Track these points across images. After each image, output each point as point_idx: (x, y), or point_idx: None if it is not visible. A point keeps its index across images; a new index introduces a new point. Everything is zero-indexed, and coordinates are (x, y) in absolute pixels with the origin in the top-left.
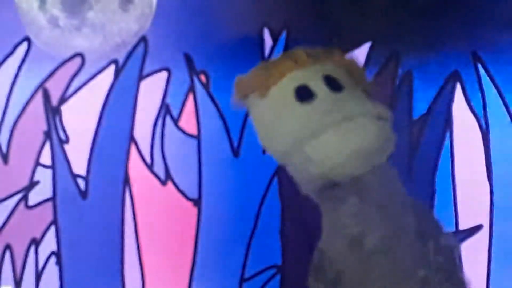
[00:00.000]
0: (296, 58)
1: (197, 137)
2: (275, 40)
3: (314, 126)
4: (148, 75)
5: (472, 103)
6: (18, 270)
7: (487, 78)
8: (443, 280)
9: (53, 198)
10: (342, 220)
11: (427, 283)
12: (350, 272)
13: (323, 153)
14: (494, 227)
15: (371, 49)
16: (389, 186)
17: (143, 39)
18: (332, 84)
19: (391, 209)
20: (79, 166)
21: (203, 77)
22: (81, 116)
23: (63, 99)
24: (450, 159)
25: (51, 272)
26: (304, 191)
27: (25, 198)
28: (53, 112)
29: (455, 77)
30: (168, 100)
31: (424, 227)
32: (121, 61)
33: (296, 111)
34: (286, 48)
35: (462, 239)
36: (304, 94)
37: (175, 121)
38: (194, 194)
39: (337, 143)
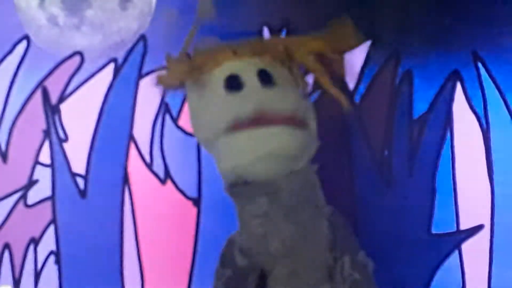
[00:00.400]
0: (235, 49)
1: None
2: None
3: (231, 120)
4: (148, 73)
5: (472, 102)
6: (17, 269)
7: (488, 77)
8: None
9: (52, 197)
10: (248, 218)
11: None
12: (259, 265)
13: (233, 150)
14: (495, 226)
15: (371, 48)
16: (302, 194)
17: (142, 38)
18: (266, 78)
19: (300, 216)
20: (78, 165)
21: None
22: (80, 114)
23: (62, 98)
24: (450, 159)
25: (50, 271)
26: (224, 188)
27: (24, 197)
28: (52, 110)
29: (456, 76)
30: (168, 99)
31: (340, 240)
32: (120, 59)
33: (221, 100)
34: None
35: (463, 239)
36: (233, 84)
37: (175, 120)
38: (193, 193)
39: (247, 144)
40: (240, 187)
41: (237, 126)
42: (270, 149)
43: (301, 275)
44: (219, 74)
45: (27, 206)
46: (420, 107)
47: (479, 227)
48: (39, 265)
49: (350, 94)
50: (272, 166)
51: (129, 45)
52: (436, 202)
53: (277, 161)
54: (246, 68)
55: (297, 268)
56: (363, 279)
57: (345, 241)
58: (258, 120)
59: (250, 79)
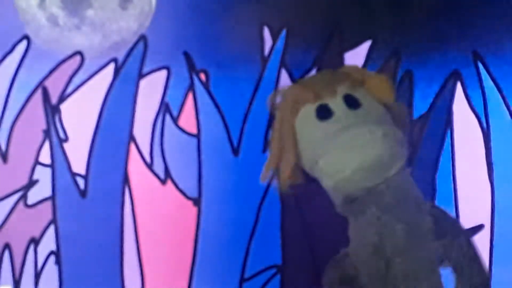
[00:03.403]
0: (314, 87)
1: (197, 136)
2: (274, 38)
3: (327, 142)
4: (148, 73)
5: (472, 102)
6: (17, 269)
7: (488, 77)
8: (470, 265)
9: (52, 197)
10: (363, 230)
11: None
12: (373, 275)
13: (332, 167)
14: (495, 226)
15: (371, 48)
16: (403, 194)
17: (143, 38)
18: (351, 102)
19: (406, 215)
20: (79, 165)
21: (202, 76)
22: (80, 114)
23: (62, 98)
24: (450, 158)
25: (50, 271)
26: (336, 208)
27: (24, 197)
28: (52, 110)
29: (456, 76)
30: (168, 98)
31: (444, 227)
32: (120, 59)
33: (314, 129)
34: (286, 47)
35: None
36: (323, 112)
37: (175, 120)
38: (193, 193)
39: (343, 158)
40: (349, 205)
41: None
42: (363, 160)
43: (414, 271)
44: (310, 107)
45: (27, 206)
46: (420, 107)
47: (479, 227)
48: (39, 265)
49: None
50: (370, 175)
51: (130, 45)
52: (436, 202)
53: (373, 169)
54: (333, 96)
55: (411, 264)
56: (470, 252)
57: (447, 226)
58: None
59: (338, 106)
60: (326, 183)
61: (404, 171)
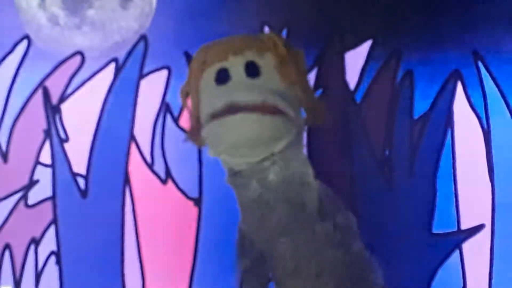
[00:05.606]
0: (227, 47)
1: None
2: None
3: (210, 111)
4: (148, 73)
5: (473, 102)
6: (18, 269)
7: (488, 76)
8: (342, 254)
9: (53, 197)
10: (246, 204)
11: (330, 262)
12: (262, 252)
13: (212, 139)
14: (496, 226)
15: (372, 47)
16: (286, 173)
17: (143, 38)
18: (252, 69)
19: (290, 194)
20: (79, 165)
21: None
22: (81, 114)
23: (63, 98)
24: (451, 158)
25: (51, 271)
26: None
27: (24, 197)
28: (53, 110)
29: (456, 75)
30: (169, 98)
31: (325, 207)
32: (121, 59)
33: (210, 92)
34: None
35: (464, 239)
36: (222, 77)
37: (176, 120)
38: (194, 193)
39: (220, 132)
40: (233, 176)
41: (213, 116)
42: (239, 135)
43: (301, 250)
44: (213, 68)
45: (27, 206)
46: (420, 106)
47: (480, 227)
48: (40, 266)
49: (350, 94)
50: (246, 151)
51: (130, 45)
52: (437, 202)
53: (250, 145)
54: (236, 62)
55: (296, 244)
56: (343, 238)
57: (328, 207)
58: (229, 110)
59: (237, 72)
60: (209, 152)
61: (293, 149)
